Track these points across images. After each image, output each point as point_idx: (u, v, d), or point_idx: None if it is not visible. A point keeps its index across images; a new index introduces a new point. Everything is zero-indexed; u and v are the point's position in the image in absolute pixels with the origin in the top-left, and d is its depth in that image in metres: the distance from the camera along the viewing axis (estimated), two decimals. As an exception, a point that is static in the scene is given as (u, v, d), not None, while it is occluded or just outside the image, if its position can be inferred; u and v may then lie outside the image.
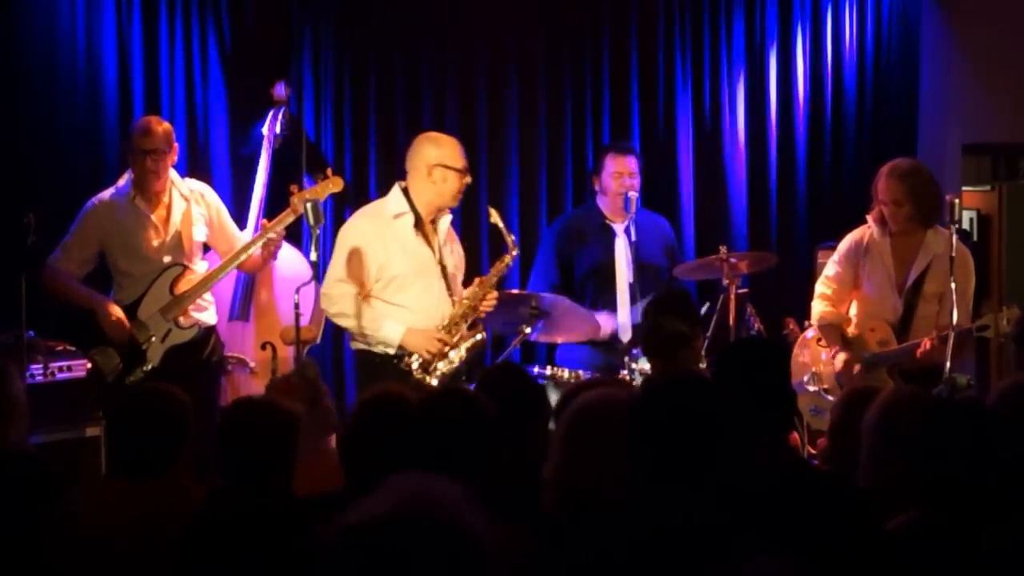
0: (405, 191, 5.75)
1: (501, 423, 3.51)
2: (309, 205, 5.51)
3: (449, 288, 5.74)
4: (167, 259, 5.91)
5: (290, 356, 5.89)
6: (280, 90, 6.64)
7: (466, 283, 5.87)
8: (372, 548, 1.92)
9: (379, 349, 5.62)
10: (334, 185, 5.98)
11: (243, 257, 5.97)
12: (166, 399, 3.92)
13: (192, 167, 6.57)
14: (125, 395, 4.89)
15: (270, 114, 6.61)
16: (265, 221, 6.01)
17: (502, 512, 3.18)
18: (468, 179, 5.77)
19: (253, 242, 5.97)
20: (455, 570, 1.90)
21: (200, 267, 6.01)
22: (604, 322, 6.34)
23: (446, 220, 5.80)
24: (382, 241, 5.62)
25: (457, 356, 5.61)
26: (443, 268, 5.73)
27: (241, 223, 6.33)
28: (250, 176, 6.56)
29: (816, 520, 3.10)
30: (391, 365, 5.56)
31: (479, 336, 5.67)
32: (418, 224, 5.72)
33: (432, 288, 5.70)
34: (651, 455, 2.93)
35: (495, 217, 5.77)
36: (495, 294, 5.75)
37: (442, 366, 5.59)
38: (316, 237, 5.55)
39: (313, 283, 5.59)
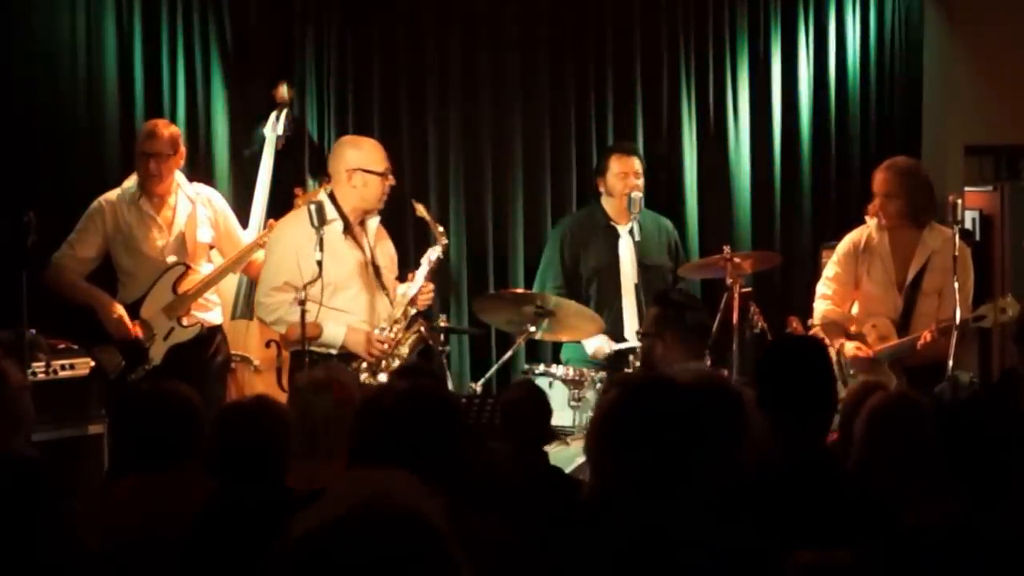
0: (331, 196, 5.76)
1: None
2: (313, 206, 5.52)
3: (384, 288, 5.75)
4: (171, 259, 5.93)
5: (294, 354, 5.88)
6: (282, 91, 6.63)
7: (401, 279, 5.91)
8: (329, 552, 1.87)
9: (320, 350, 5.63)
10: None
11: (248, 258, 5.99)
12: (175, 394, 3.92)
13: (194, 168, 6.55)
14: (136, 390, 4.87)
15: (272, 115, 6.61)
16: (272, 222, 6.01)
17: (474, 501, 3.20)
18: (391, 181, 5.75)
19: (257, 243, 5.98)
20: (419, 563, 1.87)
21: (205, 268, 6.02)
22: (594, 343, 6.31)
23: (374, 221, 5.81)
24: (306, 246, 5.60)
25: (399, 355, 5.63)
26: (376, 269, 5.74)
27: (243, 224, 6.33)
28: (252, 177, 6.54)
29: (830, 515, 3.10)
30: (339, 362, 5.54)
31: (421, 330, 5.69)
32: (347, 229, 5.73)
33: (366, 290, 5.72)
34: (632, 460, 2.90)
35: (421, 211, 5.80)
36: (431, 286, 5.75)
37: (387, 365, 5.61)
38: (320, 238, 5.54)
39: (319, 282, 5.57)
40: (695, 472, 2.87)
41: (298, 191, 6.03)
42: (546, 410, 4.48)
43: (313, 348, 5.62)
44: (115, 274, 6.02)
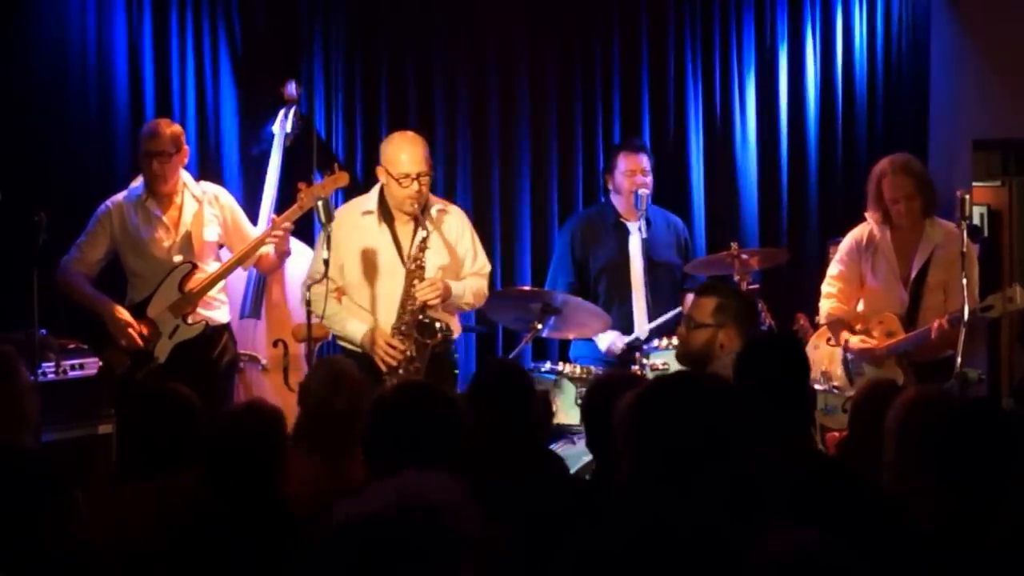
0: (382, 188, 5.76)
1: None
2: (320, 203, 5.53)
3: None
4: (177, 259, 5.95)
5: (301, 353, 5.90)
6: (291, 89, 6.67)
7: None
8: (368, 543, 1.95)
9: (351, 347, 5.64)
10: (340, 180, 5.99)
11: (255, 255, 6.01)
12: (175, 398, 3.94)
13: (203, 166, 6.60)
14: (137, 395, 4.90)
15: (281, 113, 6.64)
16: (275, 217, 6.04)
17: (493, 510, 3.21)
18: (412, 187, 5.56)
19: (261, 239, 6.00)
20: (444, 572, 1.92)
21: (212, 267, 6.03)
22: (605, 339, 6.31)
23: (424, 230, 5.61)
24: (347, 240, 5.60)
25: (413, 366, 5.58)
26: (409, 272, 5.62)
27: (253, 222, 6.34)
28: (261, 175, 6.57)
29: (832, 514, 3.09)
30: (362, 361, 5.47)
31: (427, 342, 5.57)
32: (388, 223, 5.69)
33: (391, 290, 5.63)
34: (656, 452, 2.92)
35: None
36: (426, 280, 5.56)
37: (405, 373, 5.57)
38: (328, 235, 5.55)
39: (325, 280, 5.58)
40: (712, 467, 2.90)
41: (301, 185, 6.04)
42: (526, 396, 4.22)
43: (343, 344, 5.67)
44: (124, 275, 6.03)
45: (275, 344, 6.25)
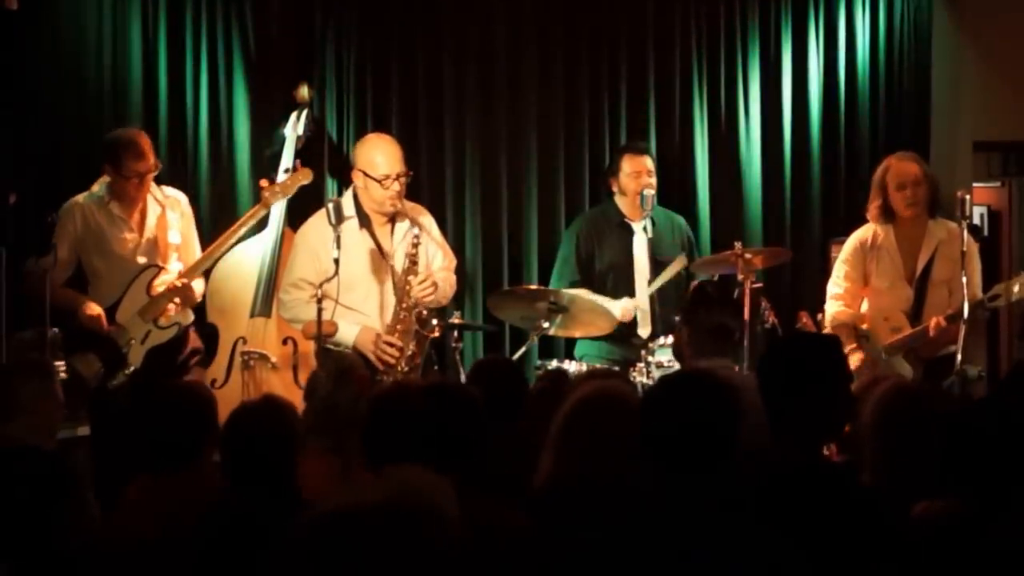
0: (355, 192, 5.82)
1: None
2: (331, 205, 5.60)
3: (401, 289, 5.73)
4: (141, 260, 5.97)
5: (311, 351, 5.95)
6: (303, 91, 6.70)
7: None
8: (350, 536, 1.94)
9: (336, 349, 5.67)
10: (303, 177, 6.07)
11: (218, 255, 6.09)
12: (191, 392, 3.99)
13: (216, 168, 6.66)
14: (151, 390, 4.93)
15: (293, 115, 6.66)
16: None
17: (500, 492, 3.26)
18: (393, 187, 5.72)
19: (226, 241, 6.05)
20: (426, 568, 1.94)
21: (175, 268, 6.05)
22: (620, 304, 6.36)
23: (404, 224, 5.79)
24: (326, 245, 5.65)
25: (410, 361, 5.67)
26: (392, 270, 5.74)
27: (263, 224, 6.41)
28: (272, 177, 6.60)
29: (824, 513, 3.13)
30: None
31: (424, 334, 5.71)
32: (364, 226, 5.77)
33: (377, 291, 5.74)
34: (663, 448, 2.96)
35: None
36: (421, 277, 5.71)
37: (399, 370, 5.64)
38: (338, 236, 5.62)
39: (335, 279, 5.65)
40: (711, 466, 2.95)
41: (263, 182, 6.11)
42: None
43: (330, 347, 5.71)
44: (85, 277, 6.00)
45: (284, 342, 6.30)
